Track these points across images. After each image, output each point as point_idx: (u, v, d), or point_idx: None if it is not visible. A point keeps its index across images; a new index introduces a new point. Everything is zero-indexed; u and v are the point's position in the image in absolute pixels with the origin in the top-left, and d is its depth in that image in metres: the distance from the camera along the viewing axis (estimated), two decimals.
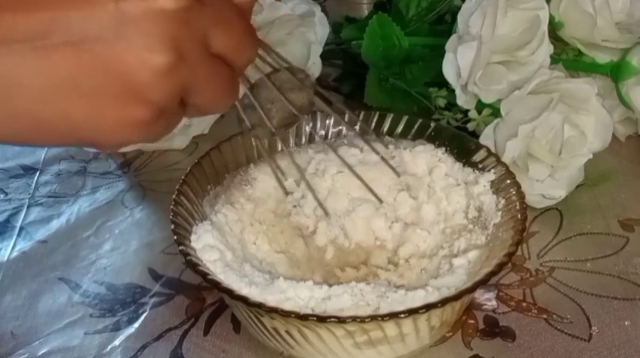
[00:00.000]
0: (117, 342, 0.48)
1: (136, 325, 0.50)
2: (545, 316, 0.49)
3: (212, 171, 0.51)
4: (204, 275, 0.42)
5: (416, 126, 0.55)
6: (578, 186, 0.58)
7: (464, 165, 0.52)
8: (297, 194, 0.50)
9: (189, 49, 0.33)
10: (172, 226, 0.45)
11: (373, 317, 0.39)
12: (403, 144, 0.54)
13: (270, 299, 0.41)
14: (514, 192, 0.48)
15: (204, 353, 0.47)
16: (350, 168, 0.46)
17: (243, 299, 0.41)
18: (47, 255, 0.56)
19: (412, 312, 0.39)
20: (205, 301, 0.51)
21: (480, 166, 0.51)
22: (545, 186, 0.56)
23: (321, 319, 0.39)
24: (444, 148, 0.53)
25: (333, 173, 0.48)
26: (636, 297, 0.50)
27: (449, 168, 0.52)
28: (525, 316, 0.49)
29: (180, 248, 0.44)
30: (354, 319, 0.39)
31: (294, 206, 0.49)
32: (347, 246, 0.48)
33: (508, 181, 0.49)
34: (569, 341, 0.47)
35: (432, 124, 0.54)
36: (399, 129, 0.55)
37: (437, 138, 0.54)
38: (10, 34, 0.30)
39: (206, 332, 0.49)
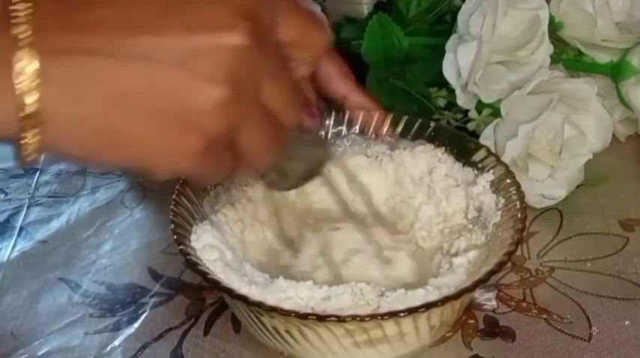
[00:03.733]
0: (117, 342, 0.48)
1: (136, 325, 0.50)
2: (545, 316, 0.49)
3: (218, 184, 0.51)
4: (203, 274, 0.42)
5: (416, 126, 0.55)
6: (578, 186, 0.58)
7: (464, 165, 0.52)
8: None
9: (246, 88, 0.34)
10: (172, 226, 0.45)
11: (373, 316, 0.39)
12: (403, 144, 0.54)
13: (270, 299, 0.41)
14: (514, 192, 0.48)
15: (204, 353, 0.47)
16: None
17: (243, 299, 0.41)
18: (47, 255, 0.56)
19: (412, 311, 0.39)
20: (205, 301, 0.51)
21: (480, 166, 0.51)
22: (545, 186, 0.56)
23: (321, 318, 0.39)
24: (443, 148, 0.53)
25: (330, 229, 0.49)
26: (636, 297, 0.50)
27: (449, 169, 0.52)
28: (525, 316, 0.49)
29: (180, 247, 0.44)
30: (354, 318, 0.39)
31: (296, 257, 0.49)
32: None
33: (508, 181, 0.49)
34: (569, 341, 0.47)
35: (432, 124, 0.54)
36: (399, 129, 0.55)
37: (437, 138, 0.54)
38: (87, 47, 0.31)
39: (206, 332, 0.49)
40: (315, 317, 0.39)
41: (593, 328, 0.48)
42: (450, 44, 0.58)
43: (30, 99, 0.31)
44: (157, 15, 0.32)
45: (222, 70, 0.33)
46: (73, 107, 0.32)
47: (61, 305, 0.52)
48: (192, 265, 0.42)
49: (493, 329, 0.48)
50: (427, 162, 0.52)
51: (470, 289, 0.41)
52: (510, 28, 0.56)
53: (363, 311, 0.40)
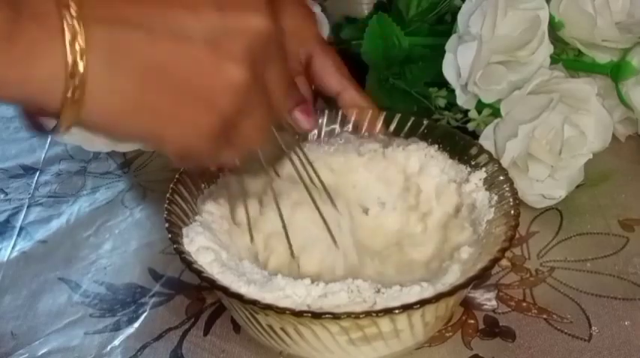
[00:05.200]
0: (117, 342, 0.48)
1: (136, 325, 0.50)
2: (545, 316, 0.49)
3: (206, 170, 0.51)
4: (199, 273, 0.42)
5: (409, 124, 0.54)
6: (578, 186, 0.58)
7: (457, 163, 0.52)
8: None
9: (259, 73, 0.36)
10: (167, 225, 0.45)
11: (367, 313, 0.39)
12: (396, 142, 0.53)
13: (269, 297, 0.41)
14: (507, 188, 0.48)
15: (204, 353, 0.47)
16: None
17: (239, 297, 0.40)
18: (47, 255, 0.56)
19: (406, 308, 0.39)
20: (205, 301, 0.51)
21: (473, 163, 0.51)
22: (545, 186, 0.56)
23: (316, 315, 0.39)
24: (436, 146, 0.53)
25: (290, 204, 0.48)
26: (636, 297, 0.50)
27: (441, 166, 0.52)
28: (525, 316, 0.49)
29: (174, 246, 0.44)
30: (349, 315, 0.39)
31: None
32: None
33: (501, 177, 0.49)
34: (569, 341, 0.47)
35: (425, 122, 0.54)
36: (392, 127, 0.55)
37: (430, 136, 0.54)
38: (125, 19, 0.33)
39: (206, 332, 0.49)
40: (310, 315, 0.39)
41: (593, 328, 0.48)
42: (450, 44, 0.58)
43: (77, 63, 0.32)
44: None
45: (246, 52, 0.34)
46: (111, 76, 0.33)
47: (61, 305, 0.52)
48: (188, 264, 0.42)
49: (493, 329, 0.48)
50: (420, 159, 0.52)
51: (464, 286, 0.41)
52: (510, 28, 0.56)
53: (359, 308, 0.40)
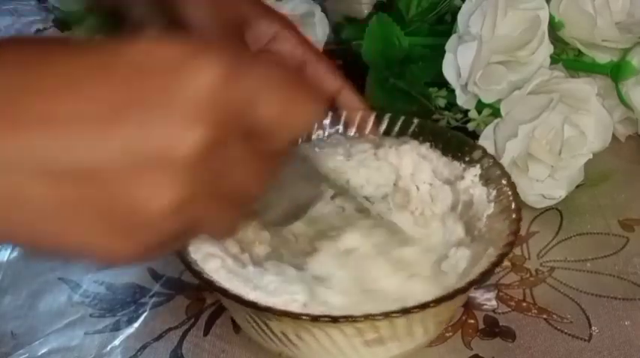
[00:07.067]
0: (117, 342, 0.48)
1: (136, 325, 0.50)
2: (545, 316, 0.49)
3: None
4: (210, 283, 0.41)
5: (399, 124, 0.54)
6: (578, 186, 0.58)
7: (451, 159, 0.51)
8: None
9: (202, 188, 0.31)
10: None
11: (367, 317, 0.39)
12: (388, 143, 0.53)
13: (277, 302, 0.40)
14: (505, 183, 0.47)
15: (204, 353, 0.47)
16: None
17: (253, 305, 0.40)
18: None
19: (406, 312, 0.39)
20: (205, 301, 0.51)
21: (467, 159, 0.50)
22: (545, 186, 0.56)
23: (315, 319, 0.39)
24: (428, 144, 0.52)
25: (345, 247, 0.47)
26: (636, 297, 0.50)
27: (435, 165, 0.51)
28: (525, 316, 0.49)
29: (180, 256, 0.42)
30: (347, 319, 0.39)
31: None
32: None
33: (498, 172, 0.48)
34: (569, 341, 0.47)
35: (415, 120, 0.53)
36: (383, 127, 0.54)
37: (421, 134, 0.53)
38: (17, 161, 0.28)
39: (206, 333, 0.49)
40: (308, 318, 0.39)
41: (593, 328, 0.48)
42: (450, 44, 0.58)
43: None
44: (95, 134, 0.28)
45: (170, 181, 0.29)
46: (3, 222, 0.30)
47: (61, 305, 0.52)
48: (197, 274, 0.42)
49: (493, 329, 0.48)
50: (413, 160, 0.52)
51: (465, 289, 0.41)
52: (510, 28, 0.56)
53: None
